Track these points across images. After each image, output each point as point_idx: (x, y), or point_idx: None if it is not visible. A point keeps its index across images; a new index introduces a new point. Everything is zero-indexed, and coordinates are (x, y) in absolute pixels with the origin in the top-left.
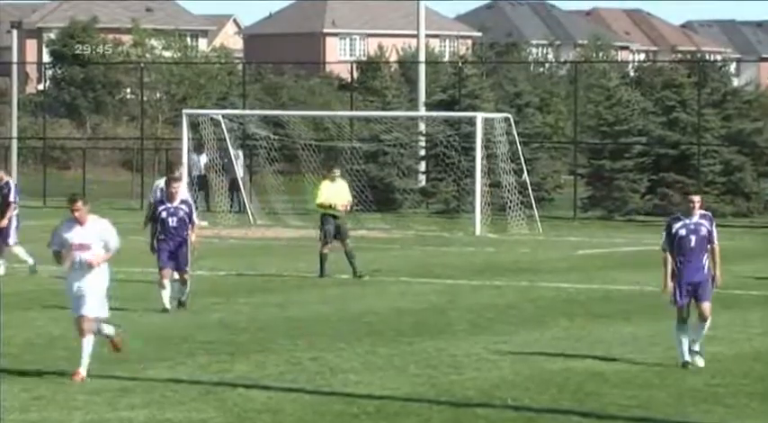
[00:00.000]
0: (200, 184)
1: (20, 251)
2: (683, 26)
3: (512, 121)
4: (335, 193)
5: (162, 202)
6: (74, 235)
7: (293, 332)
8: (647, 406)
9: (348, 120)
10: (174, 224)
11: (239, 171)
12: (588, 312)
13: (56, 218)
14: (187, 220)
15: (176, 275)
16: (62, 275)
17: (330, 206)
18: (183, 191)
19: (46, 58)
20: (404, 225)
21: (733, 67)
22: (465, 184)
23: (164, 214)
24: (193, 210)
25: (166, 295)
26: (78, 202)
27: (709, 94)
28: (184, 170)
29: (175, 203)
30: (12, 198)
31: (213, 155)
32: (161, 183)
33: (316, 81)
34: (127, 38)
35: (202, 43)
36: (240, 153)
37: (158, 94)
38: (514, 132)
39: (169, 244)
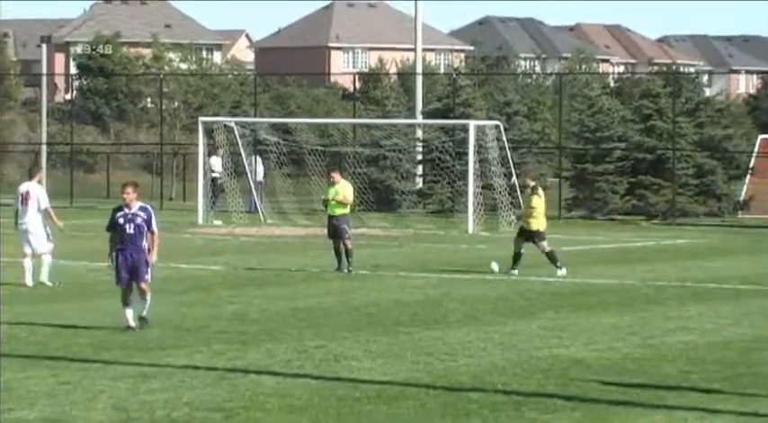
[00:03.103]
0: (215, 186)
1: None
2: (660, 40)
3: (502, 128)
4: (333, 193)
5: (120, 209)
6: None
7: (300, 322)
8: (626, 390)
9: (351, 127)
10: (131, 231)
11: (258, 174)
12: (572, 304)
13: (82, 217)
14: (145, 228)
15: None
16: None
17: (325, 206)
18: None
19: (73, 69)
20: (402, 224)
21: (705, 78)
22: (459, 187)
23: (120, 220)
24: (153, 217)
25: (130, 313)
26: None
27: (684, 103)
28: (200, 173)
29: (133, 210)
30: None
31: (226, 159)
32: (22, 188)
33: (321, 91)
34: (147, 51)
35: (217, 56)
36: (258, 158)
37: (176, 103)
38: (504, 138)
39: (126, 255)
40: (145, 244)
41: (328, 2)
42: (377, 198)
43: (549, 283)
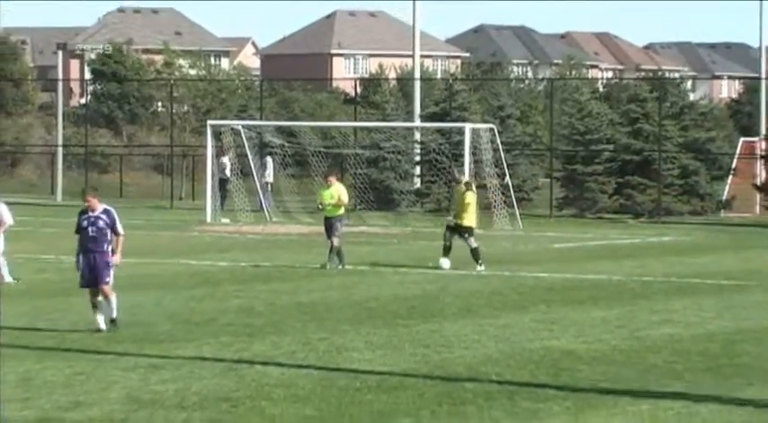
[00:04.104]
0: (222, 186)
1: None
2: (646, 47)
3: (496, 131)
4: (329, 196)
5: (85, 212)
6: None
7: (304, 316)
8: (614, 380)
9: (352, 129)
10: (93, 234)
11: (269, 176)
12: (563, 298)
13: None
14: (108, 230)
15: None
16: None
17: (320, 207)
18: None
19: (87, 75)
20: (401, 222)
21: (689, 83)
22: (455, 187)
23: (84, 223)
24: (116, 219)
25: (99, 317)
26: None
27: (669, 107)
28: (208, 174)
29: (96, 213)
30: None
31: (233, 160)
32: None
33: (324, 95)
34: (158, 58)
35: (224, 62)
36: (269, 159)
37: (186, 107)
38: (498, 141)
39: (88, 257)
40: (107, 247)
41: (332, 8)
42: (377, 197)
43: (541, 279)
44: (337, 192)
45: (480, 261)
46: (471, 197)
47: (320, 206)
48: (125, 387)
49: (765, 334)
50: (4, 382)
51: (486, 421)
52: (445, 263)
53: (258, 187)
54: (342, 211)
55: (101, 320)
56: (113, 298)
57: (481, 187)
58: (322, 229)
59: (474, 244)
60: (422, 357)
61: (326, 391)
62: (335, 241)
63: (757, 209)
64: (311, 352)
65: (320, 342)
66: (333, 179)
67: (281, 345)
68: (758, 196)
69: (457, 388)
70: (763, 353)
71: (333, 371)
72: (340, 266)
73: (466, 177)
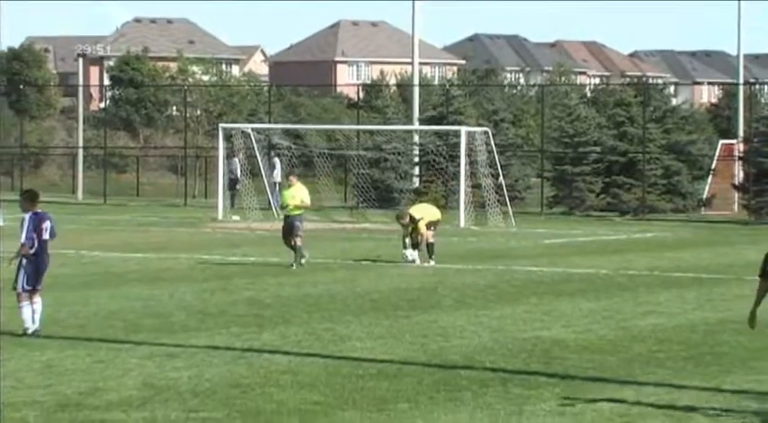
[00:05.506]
0: (231, 186)
1: None
2: (631, 55)
3: (490, 133)
4: (290, 196)
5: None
6: None
7: (310, 307)
8: (601, 368)
9: (355, 132)
10: (22, 240)
11: (276, 176)
12: (553, 291)
13: (114, 214)
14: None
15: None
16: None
17: (284, 207)
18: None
19: (106, 81)
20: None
21: (671, 89)
22: (451, 186)
23: None
24: (23, 226)
25: (27, 315)
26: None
27: (652, 111)
28: (220, 173)
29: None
30: None
31: (243, 161)
32: None
33: (328, 100)
34: (173, 65)
35: (235, 69)
36: (277, 160)
37: (198, 111)
38: (492, 143)
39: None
40: (45, 255)
41: (336, 18)
42: (378, 196)
43: (533, 273)
44: (299, 192)
45: (417, 252)
46: (421, 206)
47: (282, 207)
48: (141, 374)
49: (744, 324)
50: (29, 370)
51: (480, 407)
52: (410, 254)
53: (267, 187)
54: (302, 210)
55: (27, 319)
56: (40, 307)
57: (476, 187)
58: (326, 226)
59: (431, 239)
60: (420, 346)
61: (331, 378)
62: (298, 241)
63: (735, 207)
64: (316, 341)
65: (325, 332)
66: (294, 179)
67: (288, 334)
68: (736, 195)
69: (453, 375)
70: (742, 342)
71: (337, 359)
72: (294, 264)
73: (407, 219)
